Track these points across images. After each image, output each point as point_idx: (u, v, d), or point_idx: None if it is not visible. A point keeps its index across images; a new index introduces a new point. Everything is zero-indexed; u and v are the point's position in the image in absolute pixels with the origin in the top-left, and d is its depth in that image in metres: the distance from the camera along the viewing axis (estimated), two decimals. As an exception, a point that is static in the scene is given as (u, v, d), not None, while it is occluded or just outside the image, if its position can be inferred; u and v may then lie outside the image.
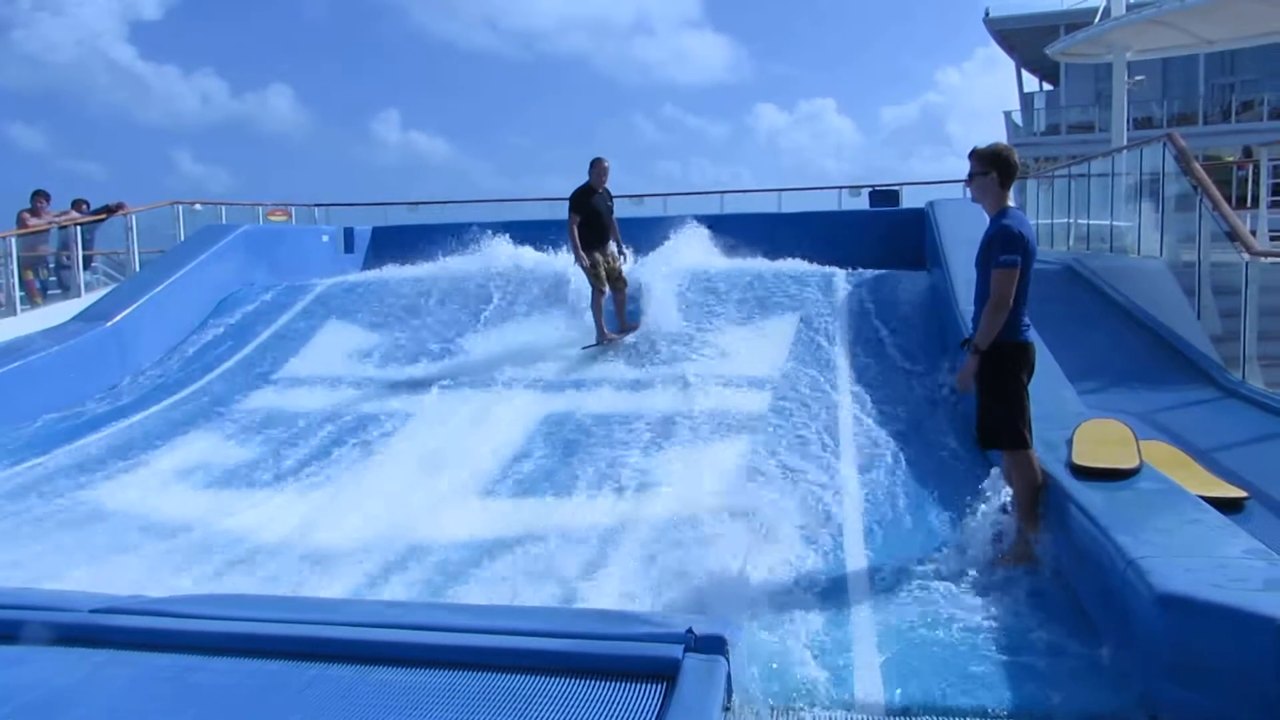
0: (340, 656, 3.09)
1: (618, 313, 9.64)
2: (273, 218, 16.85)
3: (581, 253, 9.21)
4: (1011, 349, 4.50)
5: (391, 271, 13.04)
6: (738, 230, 12.43)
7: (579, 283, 10.01)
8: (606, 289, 9.41)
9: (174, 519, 5.88)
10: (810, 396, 7.70)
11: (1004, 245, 4.40)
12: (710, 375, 8.34)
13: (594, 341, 9.35)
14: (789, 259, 11.68)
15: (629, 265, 9.98)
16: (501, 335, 10.06)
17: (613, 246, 9.60)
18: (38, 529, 5.77)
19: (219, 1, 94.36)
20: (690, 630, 3.02)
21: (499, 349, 9.67)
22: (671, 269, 10.70)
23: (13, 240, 11.51)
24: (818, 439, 6.79)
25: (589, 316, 9.53)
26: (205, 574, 4.87)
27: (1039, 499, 4.58)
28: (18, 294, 11.42)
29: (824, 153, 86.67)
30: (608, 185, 9.58)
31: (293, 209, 17.63)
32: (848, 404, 7.49)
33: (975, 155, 4.62)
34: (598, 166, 9.48)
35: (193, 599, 3.74)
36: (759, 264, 11.40)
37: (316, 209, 18.13)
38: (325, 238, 15.36)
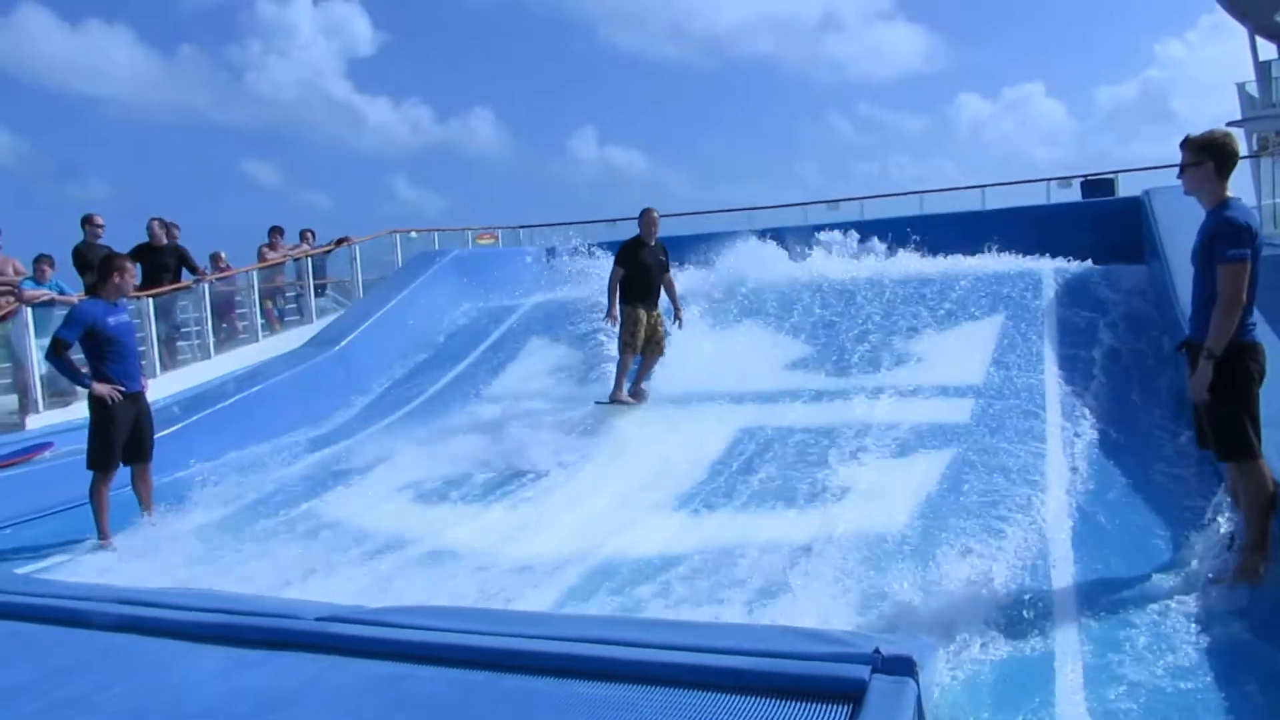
0: (537, 669, 3.23)
1: (637, 377, 9.03)
2: (481, 241, 17.73)
3: (615, 309, 8.78)
4: (1240, 350, 4.16)
5: (591, 289, 13.42)
6: (937, 231, 12.06)
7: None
8: (638, 353, 8.88)
9: (388, 532, 6.28)
10: (1015, 405, 7.37)
11: (1231, 239, 4.09)
12: (909, 384, 8.15)
13: (606, 399, 8.78)
14: (993, 257, 11.23)
15: (677, 331, 9.33)
16: (697, 347, 10.16)
17: (661, 308, 9.09)
18: (270, 540, 6.31)
19: (423, 35, 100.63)
20: (877, 650, 2.96)
21: (695, 361, 9.77)
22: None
23: (254, 274, 12.68)
24: (1023, 450, 6.48)
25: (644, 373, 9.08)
26: (414, 585, 5.18)
27: (1270, 513, 4.20)
28: (259, 322, 12.57)
29: (1033, 140, 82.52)
30: (659, 239, 9.14)
31: (499, 231, 18.47)
32: (1056, 412, 7.11)
33: (1187, 144, 4.34)
34: (646, 218, 9.02)
35: (405, 610, 4.00)
36: (960, 264, 11.02)
37: (521, 230, 18.91)
38: (529, 258, 16.02)
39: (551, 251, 16.17)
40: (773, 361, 9.49)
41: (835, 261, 11.94)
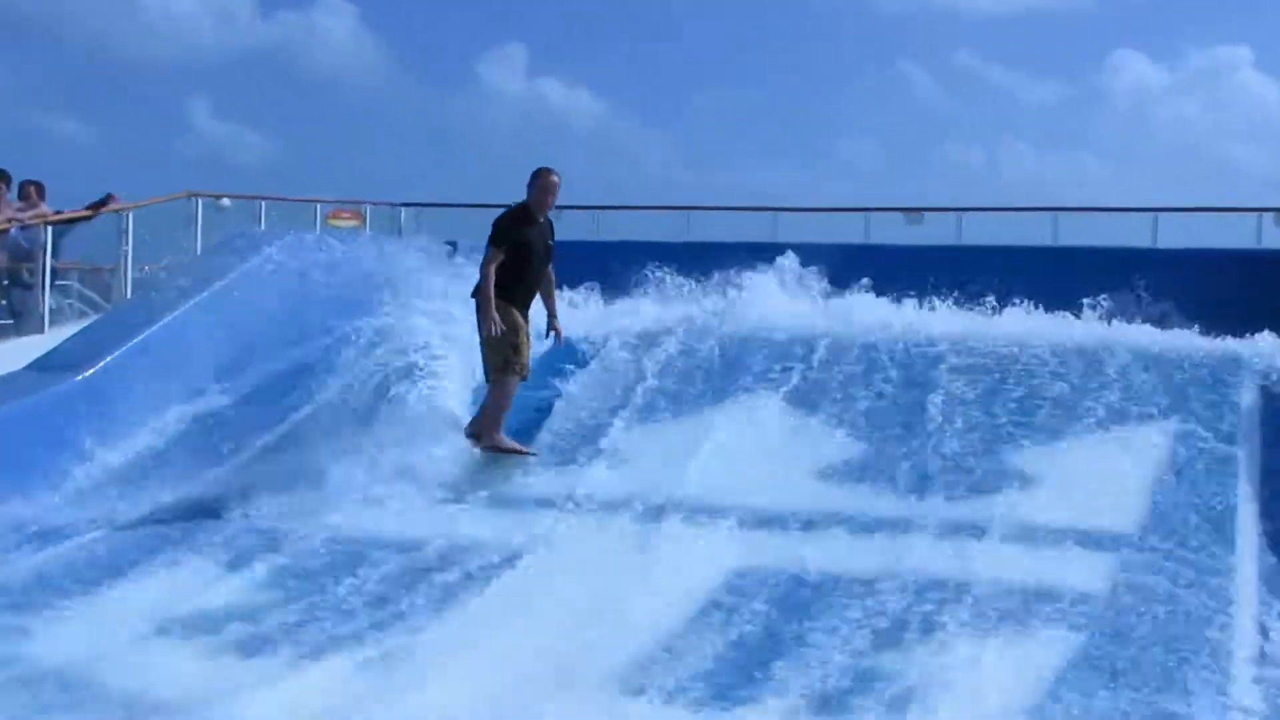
0: None
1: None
2: (335, 222, 17.68)
3: (494, 313, 9.13)
4: None
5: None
6: (1065, 272, 12.21)
7: None
8: (527, 373, 9.47)
9: (142, 694, 6.08)
10: (1184, 571, 7.45)
11: None
12: (1010, 521, 8.23)
13: (492, 444, 9.46)
14: (1157, 326, 11.38)
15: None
16: (672, 425, 10.20)
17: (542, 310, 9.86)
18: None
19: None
20: None
21: (666, 447, 9.85)
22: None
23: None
24: (1193, 644, 6.51)
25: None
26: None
27: None
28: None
29: (1229, 134, 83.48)
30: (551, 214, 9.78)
31: (367, 208, 18.41)
32: (1252, 588, 7.24)
33: None
34: (543, 181, 9.45)
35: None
36: (1100, 333, 11.15)
37: (403, 209, 18.85)
38: (415, 255, 15.92)
39: (452, 248, 16.07)
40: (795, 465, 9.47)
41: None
